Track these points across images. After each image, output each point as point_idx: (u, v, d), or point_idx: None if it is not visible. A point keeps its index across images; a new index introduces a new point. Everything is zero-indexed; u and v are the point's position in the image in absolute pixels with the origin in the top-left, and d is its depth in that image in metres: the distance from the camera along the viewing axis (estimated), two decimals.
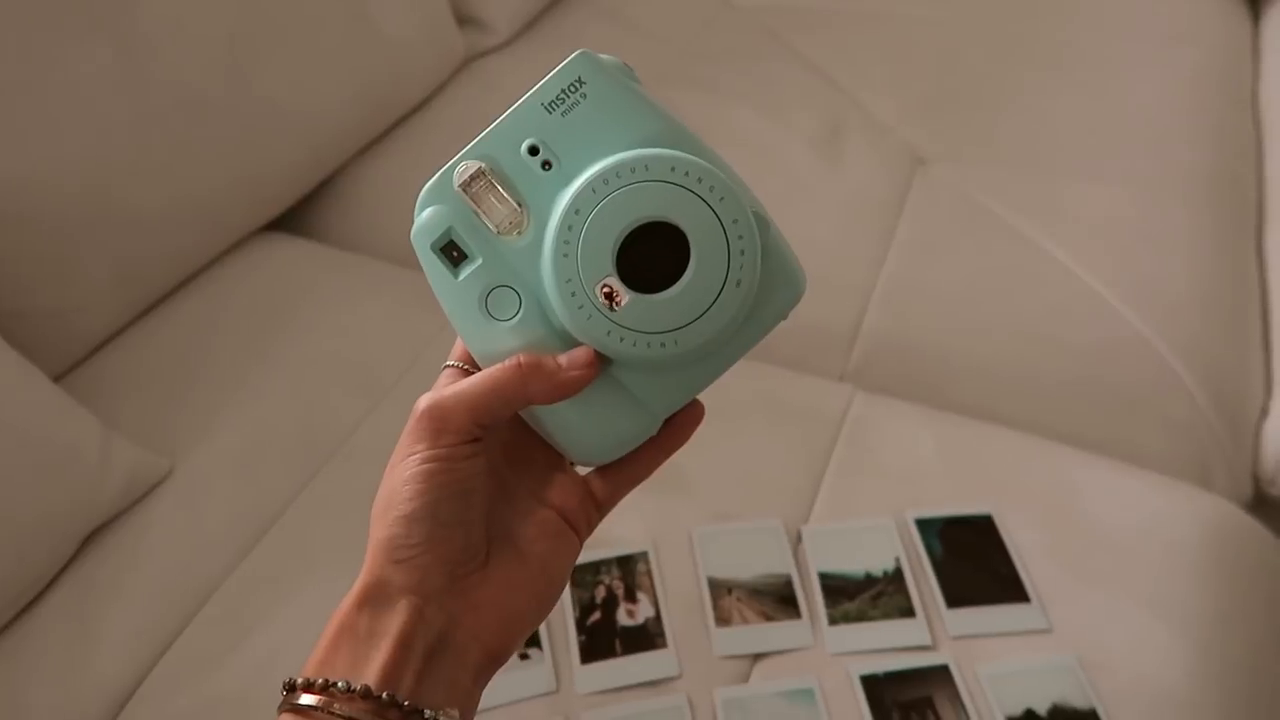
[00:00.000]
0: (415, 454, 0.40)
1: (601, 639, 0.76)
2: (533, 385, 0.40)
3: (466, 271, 0.42)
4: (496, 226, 0.42)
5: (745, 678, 0.74)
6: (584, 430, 0.43)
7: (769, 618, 0.77)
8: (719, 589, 0.79)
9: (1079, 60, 1.39)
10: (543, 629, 0.76)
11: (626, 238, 0.40)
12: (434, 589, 0.40)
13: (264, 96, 1.04)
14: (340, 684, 0.37)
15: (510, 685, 0.73)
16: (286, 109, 1.07)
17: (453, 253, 0.43)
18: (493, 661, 0.41)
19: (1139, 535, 0.83)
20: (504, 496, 0.44)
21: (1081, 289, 1.06)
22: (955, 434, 0.91)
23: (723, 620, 0.77)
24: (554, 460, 0.45)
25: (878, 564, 0.80)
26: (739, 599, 0.78)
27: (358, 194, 1.20)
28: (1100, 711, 0.71)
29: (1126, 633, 0.76)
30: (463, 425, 0.40)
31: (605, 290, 0.40)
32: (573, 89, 0.42)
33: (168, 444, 0.87)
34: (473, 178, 0.42)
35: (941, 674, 0.73)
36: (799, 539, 0.82)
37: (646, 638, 0.76)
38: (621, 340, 0.40)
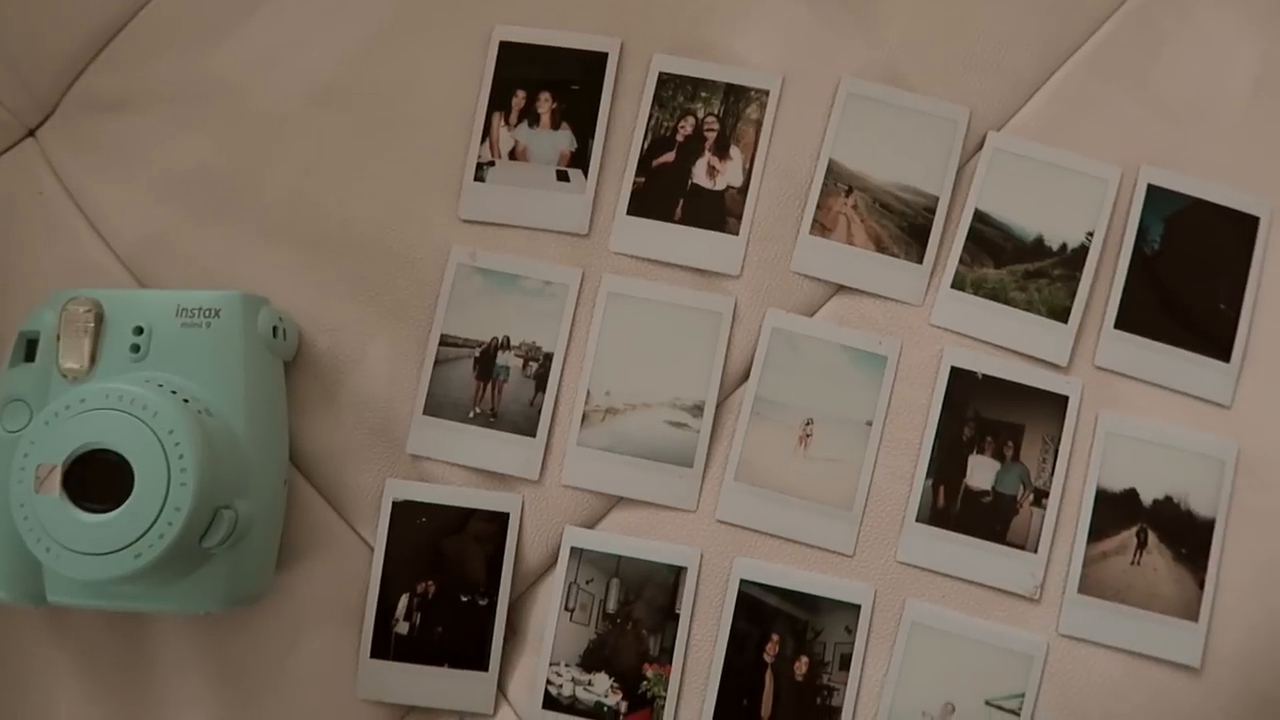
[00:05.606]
0: None
1: (662, 192, 0.58)
2: None
3: (19, 370, 0.48)
4: (61, 363, 0.47)
5: (813, 311, 0.58)
6: None
7: (880, 246, 0.57)
8: (836, 182, 0.58)
9: None
10: (596, 152, 0.58)
11: (101, 456, 0.43)
12: None
13: None
14: None
15: (537, 208, 0.57)
16: None
17: (31, 349, 0.49)
18: None
19: None
20: None
21: None
22: None
23: (821, 227, 0.58)
24: None
25: (1062, 231, 0.57)
26: (855, 206, 0.57)
27: None
28: (1219, 526, 0.55)
29: None
30: None
31: (43, 470, 0.43)
32: (206, 313, 0.48)
33: None
34: (82, 310, 0.47)
35: (1053, 404, 0.56)
36: (980, 148, 0.58)
37: (717, 213, 0.58)
38: (21, 507, 0.43)
